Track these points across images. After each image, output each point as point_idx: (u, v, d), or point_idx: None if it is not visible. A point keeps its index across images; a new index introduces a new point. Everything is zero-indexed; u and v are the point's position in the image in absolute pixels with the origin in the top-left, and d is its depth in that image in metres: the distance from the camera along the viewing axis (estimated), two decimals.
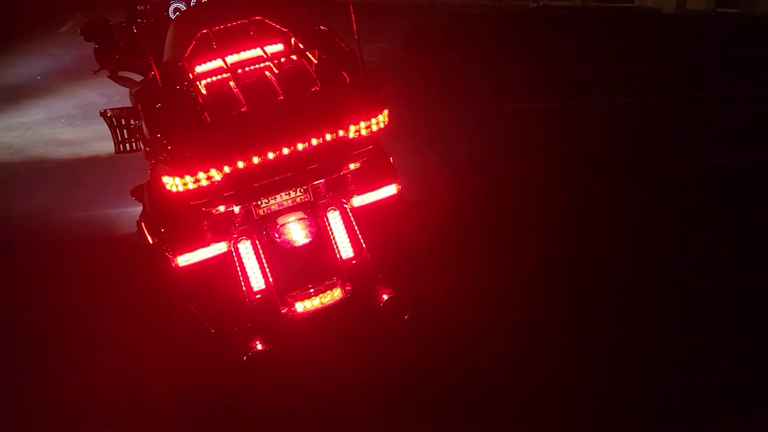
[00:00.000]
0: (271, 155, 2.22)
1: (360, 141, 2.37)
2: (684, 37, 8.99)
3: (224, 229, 2.56)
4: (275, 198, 2.56)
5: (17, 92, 7.68)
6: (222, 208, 2.41)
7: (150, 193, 2.84)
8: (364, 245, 2.63)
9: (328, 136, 2.29)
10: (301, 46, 2.53)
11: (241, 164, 2.20)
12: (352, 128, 2.32)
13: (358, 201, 2.69)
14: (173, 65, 2.42)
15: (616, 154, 4.95)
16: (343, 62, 2.40)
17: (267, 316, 2.55)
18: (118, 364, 3.00)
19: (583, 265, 3.55)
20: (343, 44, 2.54)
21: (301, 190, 2.58)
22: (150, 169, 3.47)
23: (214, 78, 2.38)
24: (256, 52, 2.60)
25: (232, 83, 2.37)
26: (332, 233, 2.62)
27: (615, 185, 4.46)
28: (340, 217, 2.64)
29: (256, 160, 2.21)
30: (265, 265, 2.56)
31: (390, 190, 2.73)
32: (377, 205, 2.73)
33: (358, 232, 2.65)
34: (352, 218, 2.65)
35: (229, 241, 2.57)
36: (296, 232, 2.55)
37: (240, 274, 2.56)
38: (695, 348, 2.91)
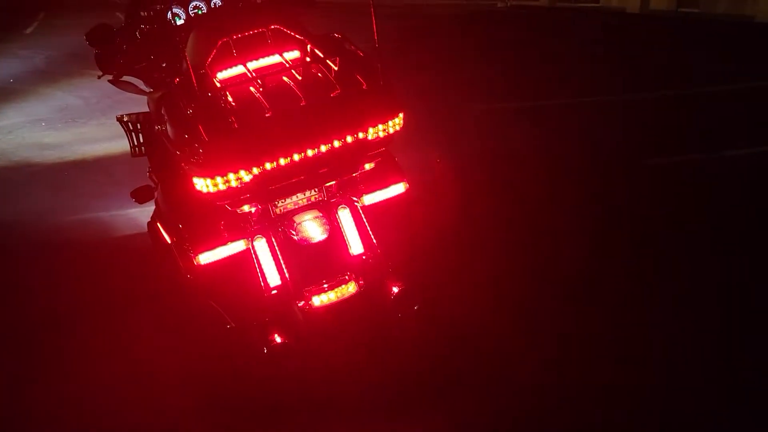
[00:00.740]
0: (296, 157, 2.35)
1: (377, 142, 2.51)
2: (648, 37, 9.37)
3: (241, 227, 2.66)
4: (291, 198, 2.68)
5: None
6: (246, 208, 2.53)
7: (166, 195, 2.93)
8: (374, 241, 2.76)
9: (349, 139, 2.43)
10: (318, 52, 2.65)
11: (268, 166, 2.32)
12: (371, 131, 2.46)
13: (368, 199, 2.82)
14: (197, 72, 2.52)
15: (583, 152, 5.15)
16: (360, 68, 2.54)
17: (285, 309, 2.65)
18: (134, 358, 3.09)
19: (595, 262, 3.59)
20: (359, 51, 2.67)
21: (316, 189, 2.71)
22: (151, 172, 3.52)
23: (236, 84, 2.48)
24: (275, 58, 2.71)
25: (252, 89, 2.48)
26: (344, 230, 2.75)
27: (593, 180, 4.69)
28: (350, 214, 2.77)
29: (282, 162, 2.34)
30: (282, 262, 2.68)
31: (398, 188, 2.87)
32: (386, 203, 2.86)
33: (368, 228, 2.78)
34: (362, 216, 2.78)
35: (247, 239, 2.68)
36: (313, 229, 2.66)
37: (258, 270, 2.66)
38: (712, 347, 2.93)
